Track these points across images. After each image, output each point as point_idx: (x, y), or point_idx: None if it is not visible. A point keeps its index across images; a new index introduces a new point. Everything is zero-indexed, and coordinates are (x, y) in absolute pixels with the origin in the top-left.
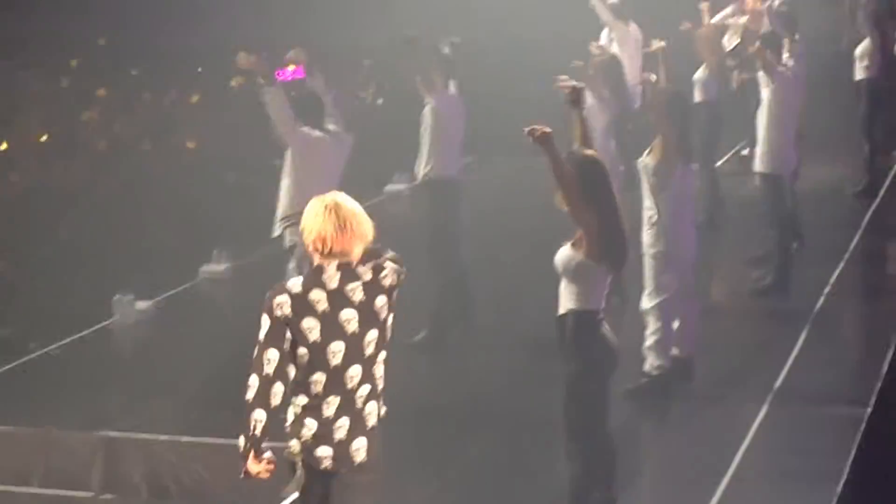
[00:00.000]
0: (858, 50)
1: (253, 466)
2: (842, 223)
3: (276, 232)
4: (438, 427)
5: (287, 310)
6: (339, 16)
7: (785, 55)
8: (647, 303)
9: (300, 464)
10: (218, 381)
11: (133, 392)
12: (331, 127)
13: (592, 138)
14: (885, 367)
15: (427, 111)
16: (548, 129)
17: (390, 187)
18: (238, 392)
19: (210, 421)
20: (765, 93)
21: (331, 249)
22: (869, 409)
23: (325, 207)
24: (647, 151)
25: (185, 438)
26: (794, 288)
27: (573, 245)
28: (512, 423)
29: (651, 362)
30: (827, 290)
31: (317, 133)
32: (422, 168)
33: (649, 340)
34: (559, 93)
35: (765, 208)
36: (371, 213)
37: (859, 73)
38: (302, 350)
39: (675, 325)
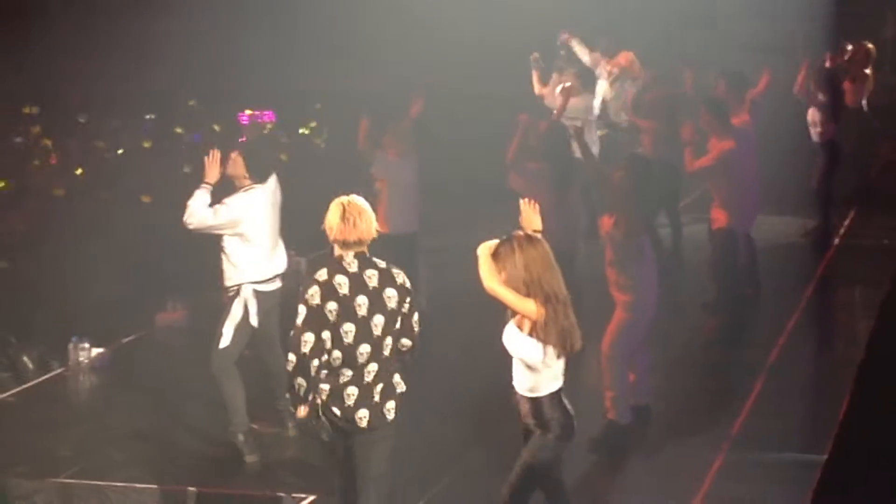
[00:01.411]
0: (809, 116)
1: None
2: (797, 273)
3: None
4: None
5: (318, 298)
6: (298, 59)
7: (739, 111)
8: (610, 352)
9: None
10: (172, 427)
11: (88, 438)
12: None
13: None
14: (841, 415)
15: (375, 172)
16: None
17: None
18: (194, 438)
19: (164, 468)
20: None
21: (335, 238)
22: (825, 457)
23: (339, 204)
24: (612, 223)
25: (139, 485)
26: (750, 336)
27: (519, 325)
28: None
29: (613, 411)
30: (782, 339)
31: (241, 204)
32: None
33: (611, 391)
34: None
35: (718, 260)
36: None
37: (815, 137)
38: (326, 334)
39: (632, 376)
